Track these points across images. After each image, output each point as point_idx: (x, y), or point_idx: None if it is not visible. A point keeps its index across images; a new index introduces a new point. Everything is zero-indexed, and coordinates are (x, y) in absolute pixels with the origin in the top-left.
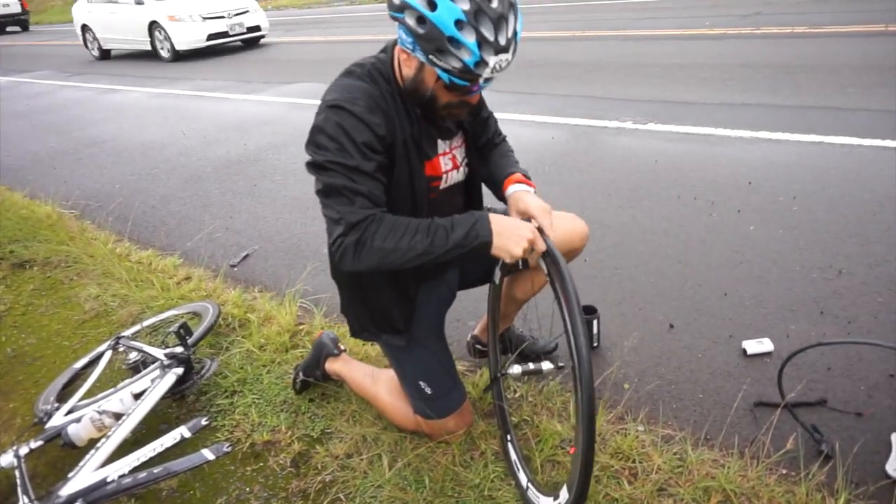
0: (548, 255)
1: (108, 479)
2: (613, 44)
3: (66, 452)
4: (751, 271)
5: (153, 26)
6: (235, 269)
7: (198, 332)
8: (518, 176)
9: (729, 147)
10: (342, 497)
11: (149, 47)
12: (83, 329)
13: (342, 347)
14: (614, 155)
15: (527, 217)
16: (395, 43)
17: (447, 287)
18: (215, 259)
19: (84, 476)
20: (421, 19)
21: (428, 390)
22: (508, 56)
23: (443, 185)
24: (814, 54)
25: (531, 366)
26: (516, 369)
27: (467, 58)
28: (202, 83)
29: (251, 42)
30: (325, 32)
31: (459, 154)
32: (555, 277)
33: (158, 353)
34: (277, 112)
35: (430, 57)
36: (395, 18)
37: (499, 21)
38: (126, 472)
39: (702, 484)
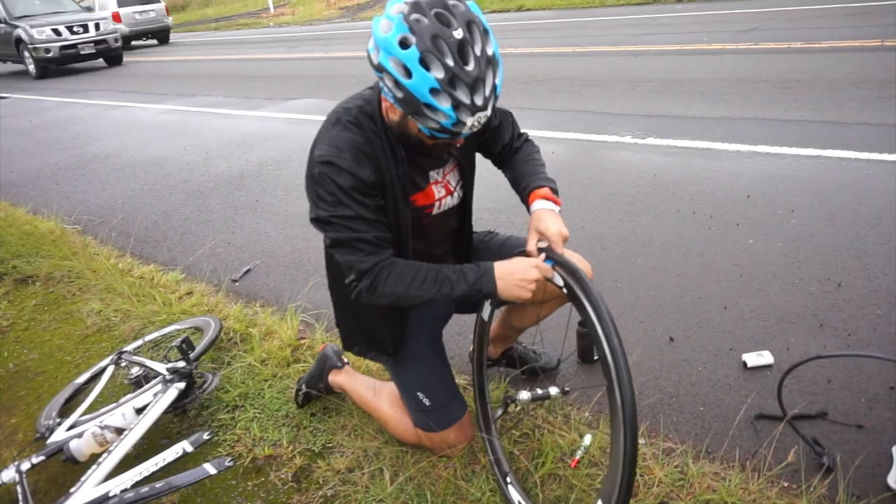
0: (570, 275)
1: (111, 494)
2: (612, 59)
3: (68, 468)
4: (750, 284)
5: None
6: (237, 283)
7: (200, 346)
8: (545, 192)
9: (727, 161)
10: None
11: None
12: (85, 344)
13: (345, 360)
14: (614, 169)
15: (542, 238)
16: None
17: (444, 304)
18: (217, 274)
19: (86, 491)
20: (397, 84)
21: (427, 402)
22: (487, 113)
23: (436, 212)
24: (811, 69)
25: (539, 391)
26: (525, 396)
27: (444, 120)
28: (204, 99)
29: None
30: (325, 49)
31: (453, 179)
32: (585, 306)
33: (160, 367)
34: (279, 128)
35: (410, 116)
36: (377, 76)
37: (475, 84)
38: (128, 486)
39: (703, 497)
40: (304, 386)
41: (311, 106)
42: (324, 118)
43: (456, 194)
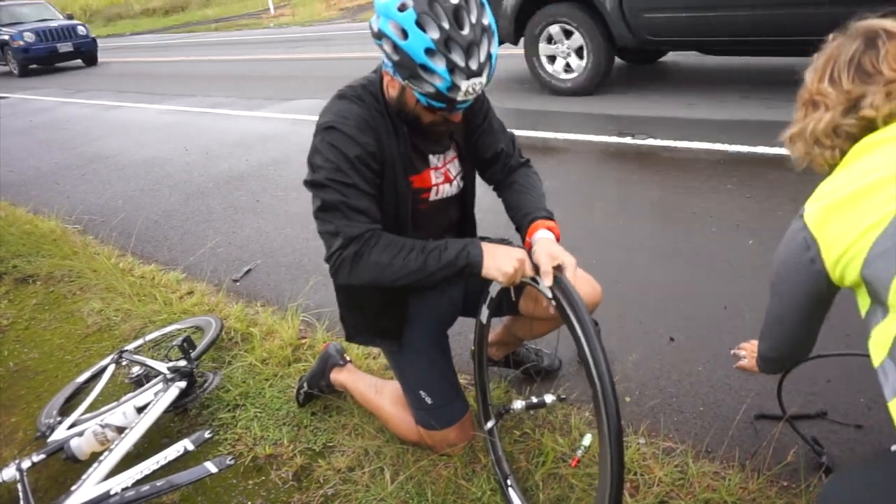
0: (563, 295)
1: (112, 493)
2: None
3: (69, 466)
4: (750, 285)
5: None
6: (238, 283)
7: (201, 345)
8: (551, 224)
9: (727, 162)
10: None
11: None
12: (86, 343)
13: (347, 358)
14: (612, 170)
15: (557, 264)
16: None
17: (448, 301)
18: (218, 274)
19: (87, 489)
20: (395, 47)
21: (428, 400)
22: (482, 79)
23: (432, 198)
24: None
25: (534, 399)
26: (519, 405)
27: (439, 83)
28: (204, 100)
29: None
30: (326, 49)
31: (453, 168)
32: (573, 322)
33: (161, 366)
34: (279, 128)
35: (407, 81)
36: (377, 44)
37: (470, 47)
38: (129, 484)
39: (703, 496)
40: (305, 384)
41: (311, 107)
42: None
43: (455, 183)
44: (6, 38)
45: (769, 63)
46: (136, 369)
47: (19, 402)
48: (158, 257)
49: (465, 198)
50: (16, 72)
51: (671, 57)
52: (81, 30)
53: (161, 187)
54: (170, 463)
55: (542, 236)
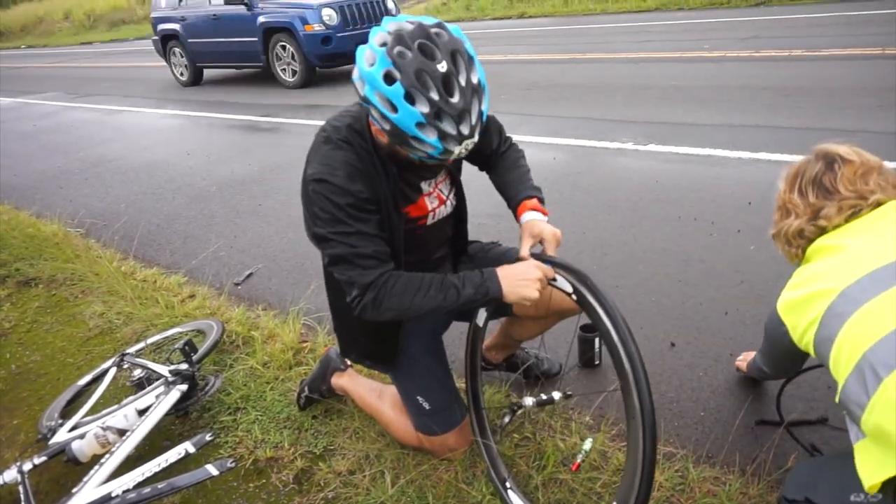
0: (587, 289)
1: (113, 495)
2: (613, 66)
3: (70, 468)
4: (751, 290)
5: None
6: (239, 287)
7: (202, 349)
8: (534, 203)
9: (729, 168)
10: None
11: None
12: (87, 346)
13: (348, 363)
14: (615, 175)
15: (539, 240)
16: None
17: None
18: (219, 277)
19: (88, 492)
20: (383, 117)
21: (426, 405)
22: (474, 139)
23: (430, 222)
24: (811, 76)
25: (543, 397)
26: (530, 402)
27: (431, 150)
28: (206, 104)
29: None
30: None
31: (445, 188)
32: (597, 310)
33: (163, 369)
34: (281, 132)
35: (398, 145)
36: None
37: (461, 115)
38: (130, 487)
39: (703, 501)
40: (306, 389)
41: (316, 112)
42: (324, 122)
43: (449, 202)
44: None
45: (790, 75)
46: (137, 372)
47: (21, 405)
48: (160, 261)
49: (460, 214)
50: None
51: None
52: None
53: (163, 191)
54: (171, 465)
55: (528, 217)
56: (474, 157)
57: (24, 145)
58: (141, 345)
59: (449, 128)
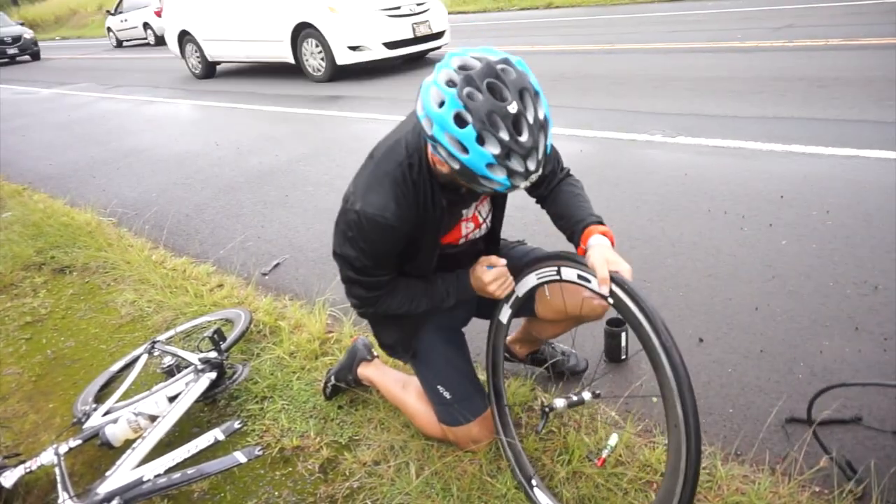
0: (625, 292)
1: (144, 479)
2: (642, 57)
3: (103, 452)
4: (783, 286)
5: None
6: (266, 277)
7: (230, 338)
8: (605, 229)
9: (760, 160)
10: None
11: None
12: (119, 333)
13: (375, 354)
14: (643, 168)
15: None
16: None
17: (461, 307)
18: (247, 267)
19: (121, 475)
20: (452, 156)
21: (447, 395)
22: (539, 173)
23: (461, 243)
24: (849, 66)
25: (574, 398)
26: (561, 403)
27: (499, 187)
28: (235, 95)
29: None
30: None
31: (483, 211)
32: (638, 318)
33: (193, 357)
34: (308, 123)
35: (464, 181)
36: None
37: (529, 153)
38: (161, 472)
39: (732, 499)
40: (332, 378)
41: (340, 104)
42: (352, 114)
43: (484, 226)
44: None
45: (826, 65)
46: (167, 359)
47: (56, 389)
48: (189, 250)
49: (493, 234)
50: None
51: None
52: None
53: (193, 181)
54: (200, 452)
55: (596, 242)
56: (531, 188)
57: (59, 135)
58: (171, 333)
59: (517, 166)
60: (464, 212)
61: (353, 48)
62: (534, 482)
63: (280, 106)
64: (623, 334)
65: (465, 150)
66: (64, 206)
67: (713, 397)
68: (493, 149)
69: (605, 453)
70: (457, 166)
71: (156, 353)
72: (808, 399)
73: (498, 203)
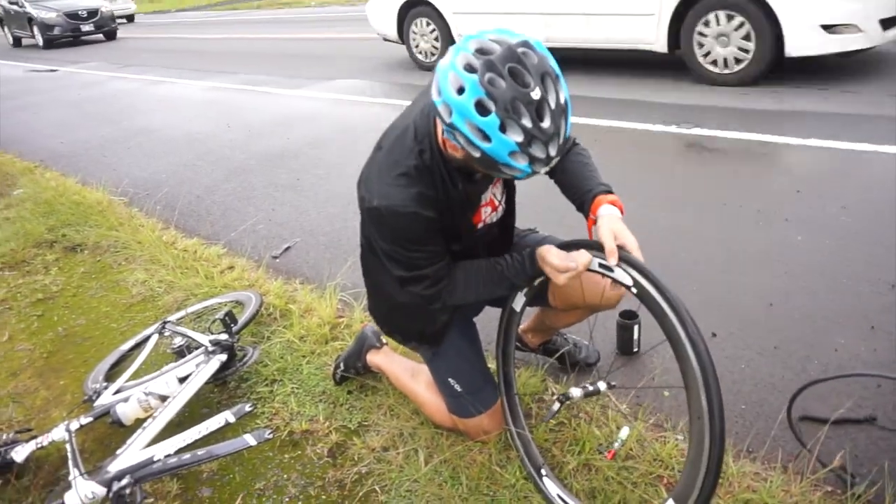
0: (647, 280)
1: (155, 459)
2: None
3: (113, 430)
4: (797, 282)
5: None
6: (277, 260)
7: (241, 320)
8: (613, 198)
9: (777, 154)
10: (377, 489)
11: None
12: (130, 312)
13: (384, 341)
14: (656, 161)
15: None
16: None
17: None
18: (258, 250)
19: (132, 454)
20: (472, 145)
21: (458, 387)
22: (558, 158)
23: (479, 227)
24: (863, 60)
25: (589, 387)
26: (577, 393)
27: (519, 174)
28: (246, 77)
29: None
30: (366, 30)
31: (498, 193)
32: (663, 307)
33: (203, 339)
34: (321, 108)
35: (484, 168)
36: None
37: (550, 139)
38: (171, 452)
39: (743, 496)
40: (341, 365)
41: (352, 86)
42: (364, 99)
43: (501, 208)
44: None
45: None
46: (178, 340)
47: (67, 366)
48: (200, 231)
49: (508, 218)
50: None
51: None
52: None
53: (203, 163)
54: (211, 433)
55: (606, 212)
56: None
57: (70, 114)
58: (182, 313)
59: (539, 152)
60: (481, 197)
61: (828, 28)
62: (543, 472)
63: (292, 89)
64: (636, 327)
65: (488, 138)
66: (75, 184)
67: (725, 393)
68: (515, 137)
69: (615, 446)
70: (477, 154)
71: (166, 334)
72: (823, 398)
73: (510, 183)
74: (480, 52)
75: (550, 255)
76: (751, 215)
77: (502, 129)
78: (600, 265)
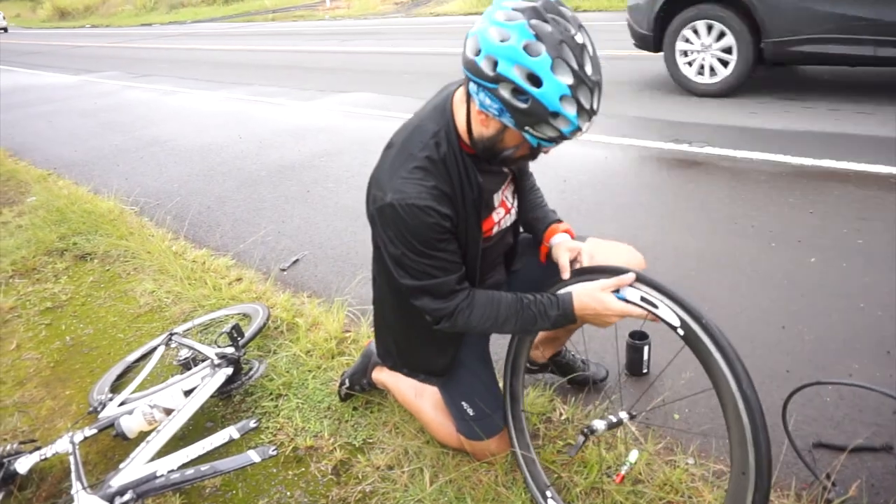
0: (698, 323)
1: (158, 474)
2: None
3: (117, 442)
4: (811, 305)
5: None
6: (285, 273)
7: (248, 333)
8: (566, 226)
9: (790, 175)
10: None
11: None
12: (137, 323)
13: None
14: (667, 178)
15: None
16: (453, 95)
17: None
18: (266, 262)
19: (135, 468)
20: (520, 93)
21: (470, 411)
22: (596, 116)
23: (495, 232)
24: (878, 76)
25: (613, 419)
26: (601, 425)
27: (564, 128)
28: (259, 89)
29: None
30: (379, 43)
31: (510, 196)
32: (711, 350)
33: (210, 351)
34: (332, 120)
35: (526, 127)
36: (477, 84)
37: (594, 87)
38: (175, 467)
39: None
40: (347, 381)
41: (364, 100)
42: (377, 112)
43: (513, 210)
44: None
45: (839, 70)
46: (184, 352)
47: (74, 376)
48: (210, 243)
49: (517, 224)
50: None
51: None
52: None
53: (215, 173)
54: (215, 449)
55: (558, 240)
56: (524, 176)
57: (85, 122)
58: (189, 325)
59: (585, 101)
60: (495, 197)
61: None
62: (548, 494)
63: (304, 101)
64: (646, 348)
65: (539, 82)
66: (87, 193)
67: None
68: (566, 79)
69: (624, 469)
70: (524, 105)
71: (173, 345)
72: (837, 424)
73: (520, 185)
74: (517, 9)
75: (611, 302)
76: (764, 236)
77: (553, 70)
78: (641, 298)
